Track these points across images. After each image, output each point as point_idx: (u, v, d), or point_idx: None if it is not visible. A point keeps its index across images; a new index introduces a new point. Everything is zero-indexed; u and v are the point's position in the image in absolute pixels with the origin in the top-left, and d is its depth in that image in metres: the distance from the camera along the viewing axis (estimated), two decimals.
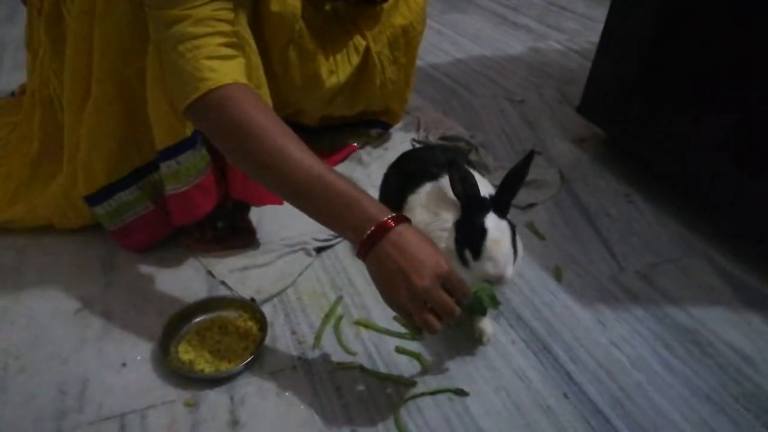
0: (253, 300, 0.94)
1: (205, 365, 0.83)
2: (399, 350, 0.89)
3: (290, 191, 0.73)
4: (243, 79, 0.77)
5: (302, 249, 1.05)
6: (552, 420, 0.80)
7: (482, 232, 0.83)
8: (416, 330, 0.87)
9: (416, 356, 0.88)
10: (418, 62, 1.34)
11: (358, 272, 1.03)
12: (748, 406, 0.83)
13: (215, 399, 0.80)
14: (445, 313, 0.71)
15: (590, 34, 2.09)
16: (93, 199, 0.95)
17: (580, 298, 1.00)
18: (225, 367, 0.83)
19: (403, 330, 0.88)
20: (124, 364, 0.84)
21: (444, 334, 0.91)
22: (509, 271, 0.84)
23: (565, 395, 0.84)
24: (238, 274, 0.99)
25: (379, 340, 0.90)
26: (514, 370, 0.87)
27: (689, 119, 1.19)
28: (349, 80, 1.17)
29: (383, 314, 0.94)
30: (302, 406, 0.80)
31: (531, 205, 1.22)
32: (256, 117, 0.73)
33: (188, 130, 0.89)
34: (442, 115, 1.53)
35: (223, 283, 0.98)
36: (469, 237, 0.85)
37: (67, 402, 0.78)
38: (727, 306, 1.00)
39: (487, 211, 0.85)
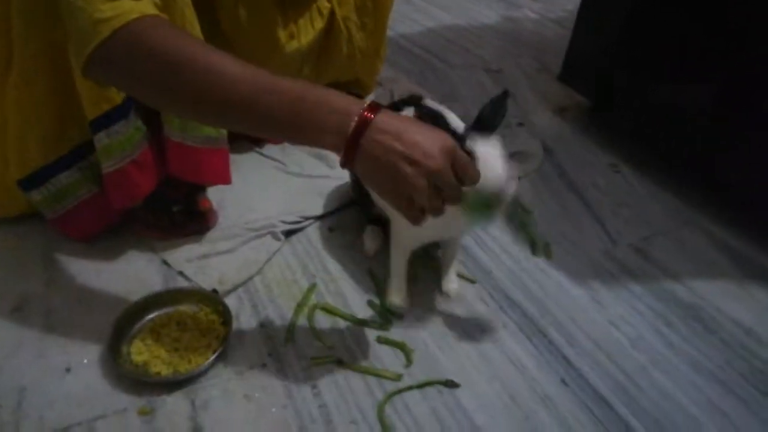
0: (215, 291, 0.84)
1: (161, 367, 0.73)
2: (381, 340, 0.80)
3: (243, 113, 0.61)
4: (153, 11, 0.65)
5: (269, 233, 0.95)
6: (551, 410, 0.73)
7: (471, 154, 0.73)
8: (387, 318, 0.82)
9: (400, 346, 0.79)
10: (389, 32, 1.25)
11: (332, 256, 0.94)
12: (756, 383, 0.78)
13: (174, 405, 0.71)
14: (454, 197, 0.62)
15: (566, 3, 2.01)
16: (28, 183, 0.84)
17: (573, 276, 0.93)
18: (184, 368, 0.74)
19: (376, 317, 0.83)
20: (68, 370, 0.73)
21: (429, 320, 0.83)
22: (511, 187, 0.71)
23: (564, 381, 0.77)
24: (198, 263, 0.89)
25: (359, 330, 0.82)
26: (507, 357, 0.80)
27: (675, 85, 1.13)
28: (313, 47, 1.07)
29: (361, 301, 0.86)
30: (274, 409, 0.71)
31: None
32: (178, 42, 0.62)
33: (119, 97, 0.78)
34: (417, 87, 1.44)
35: (181, 273, 0.88)
36: None
37: (1, 416, 0.68)
38: (728, 278, 0.94)
39: (463, 141, 0.73)
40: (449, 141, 0.62)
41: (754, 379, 0.79)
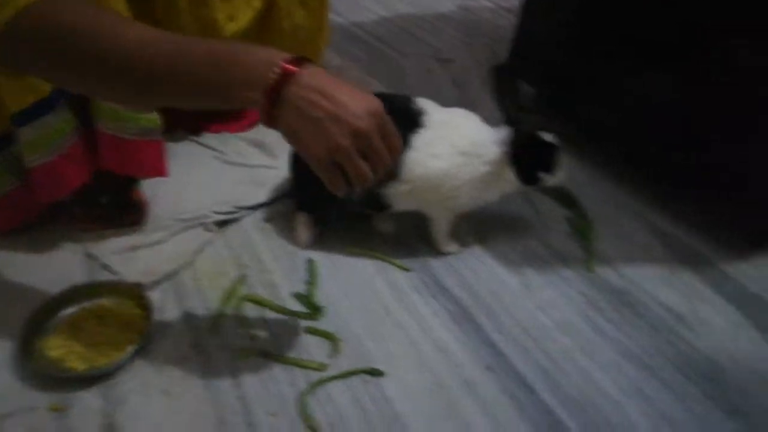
0: (139, 284, 0.82)
1: (77, 362, 0.72)
2: (310, 330, 0.80)
3: (160, 78, 0.58)
4: None
5: (201, 224, 0.93)
6: (474, 396, 0.73)
7: (551, 147, 0.83)
8: (315, 308, 0.81)
9: (328, 336, 0.79)
10: (340, 20, 1.23)
11: (267, 247, 0.92)
12: (682, 368, 0.78)
13: (88, 401, 0.69)
14: (381, 165, 0.61)
15: None
16: None
17: (507, 263, 0.93)
18: (102, 362, 0.72)
19: (302, 308, 0.82)
20: None
21: (360, 311, 0.83)
22: None
23: (489, 367, 0.77)
24: (124, 255, 0.87)
25: (289, 322, 0.81)
26: (435, 344, 0.79)
27: (621, 73, 1.14)
28: (253, 27, 1.05)
29: (293, 291, 0.84)
30: (193, 403, 0.70)
31: None
32: (87, 13, 0.60)
33: (47, 87, 0.75)
34: (365, 75, 1.43)
35: (106, 266, 0.85)
36: (539, 156, 0.86)
37: None
38: (660, 264, 0.95)
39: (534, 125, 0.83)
40: (378, 104, 0.60)
41: (680, 363, 0.79)
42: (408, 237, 0.97)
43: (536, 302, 0.87)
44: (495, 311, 0.85)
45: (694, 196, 1.04)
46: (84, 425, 0.66)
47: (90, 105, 0.82)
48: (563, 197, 1.03)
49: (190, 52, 0.58)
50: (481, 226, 0.99)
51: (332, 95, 0.57)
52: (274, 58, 0.57)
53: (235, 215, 0.97)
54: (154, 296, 0.81)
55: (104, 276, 0.84)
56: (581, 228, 1.00)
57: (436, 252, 0.94)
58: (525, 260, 0.94)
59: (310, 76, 0.57)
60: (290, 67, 0.57)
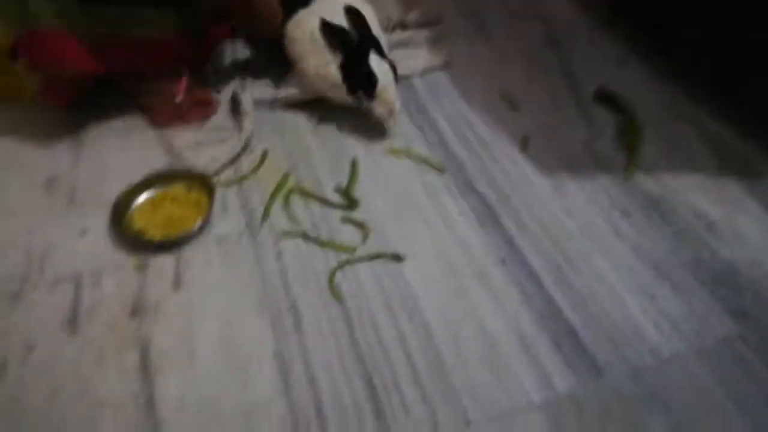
0: (206, 172, 0.96)
1: (155, 232, 0.88)
2: (344, 219, 0.90)
3: None
4: None
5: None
6: (484, 284, 0.80)
7: (372, 78, 0.94)
8: (352, 200, 0.90)
9: (360, 225, 0.88)
10: None
11: (315, 146, 1.02)
12: (695, 272, 0.80)
13: (162, 263, 0.85)
14: None
15: None
16: None
17: (543, 167, 0.96)
18: (174, 234, 0.87)
19: (341, 201, 0.92)
20: (83, 232, 0.89)
21: (390, 204, 0.91)
22: (397, 107, 0.97)
23: (503, 261, 0.83)
24: (195, 145, 1.01)
25: (327, 213, 0.91)
26: (456, 239, 0.86)
27: None
28: None
29: (334, 185, 0.94)
30: (243, 271, 0.83)
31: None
32: None
33: None
34: None
35: (180, 155, 1.00)
36: (360, 81, 0.96)
37: (31, 265, 0.85)
38: (705, 172, 0.93)
39: (365, 57, 0.95)
40: None
41: (695, 269, 0.81)
42: (449, 139, 1.02)
43: (563, 205, 0.90)
44: (519, 211, 0.89)
45: (758, 108, 0.98)
46: (158, 281, 0.83)
47: None
48: (613, 102, 1.02)
49: None
50: (523, 131, 1.02)
51: None
52: None
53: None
54: (220, 183, 0.94)
55: (181, 163, 0.99)
56: (628, 133, 1.00)
57: (474, 155, 0.98)
58: (562, 164, 0.97)
59: None
60: None
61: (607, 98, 1.06)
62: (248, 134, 1.02)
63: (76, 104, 1.03)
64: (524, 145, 1.00)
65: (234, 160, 0.99)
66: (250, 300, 0.80)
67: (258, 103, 1.08)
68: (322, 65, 0.99)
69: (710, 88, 1.07)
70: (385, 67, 0.96)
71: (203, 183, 0.94)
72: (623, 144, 0.98)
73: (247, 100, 1.07)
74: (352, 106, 1.01)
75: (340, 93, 1.01)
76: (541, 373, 0.71)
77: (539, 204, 0.91)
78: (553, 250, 0.84)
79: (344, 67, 0.98)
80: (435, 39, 1.22)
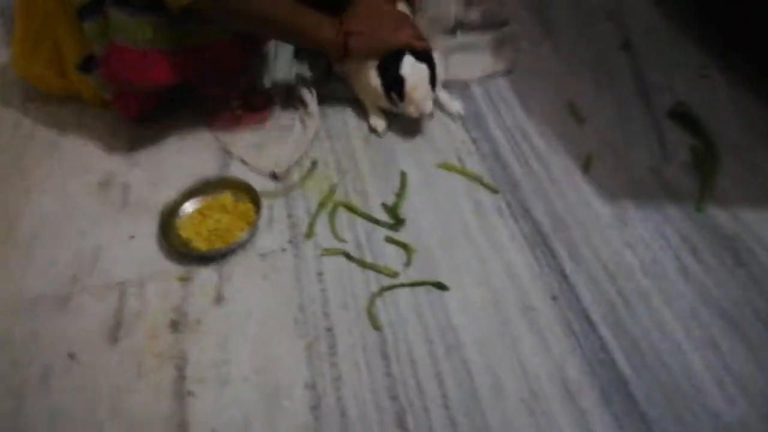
0: (274, 174, 0.96)
1: (201, 243, 0.88)
2: (388, 239, 0.87)
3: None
4: None
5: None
6: (531, 321, 0.76)
7: (401, 80, 0.94)
8: (398, 219, 0.88)
9: (404, 246, 0.85)
10: None
11: (366, 156, 0.99)
12: (767, 322, 0.73)
13: (206, 276, 0.85)
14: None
15: None
16: (82, 13, 0.92)
17: (605, 191, 0.90)
18: (219, 245, 0.87)
19: (386, 218, 0.89)
20: (132, 237, 0.91)
21: (439, 225, 0.88)
22: (428, 108, 0.96)
23: (554, 297, 0.78)
24: (255, 149, 1.00)
25: (372, 230, 0.89)
26: (504, 267, 0.82)
27: None
28: None
29: (381, 201, 0.91)
30: (284, 288, 0.82)
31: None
32: None
33: None
34: None
35: (241, 159, 0.99)
36: (392, 83, 0.96)
37: (81, 267, 0.87)
38: None
39: (400, 59, 0.95)
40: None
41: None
42: (505, 155, 0.97)
43: (625, 237, 0.84)
44: (575, 241, 0.84)
45: None
46: (200, 294, 0.83)
47: None
48: (689, 121, 0.94)
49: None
50: (587, 148, 0.95)
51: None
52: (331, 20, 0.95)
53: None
54: (267, 191, 0.93)
55: (238, 169, 0.98)
56: (704, 158, 0.91)
57: (530, 174, 0.93)
58: (627, 190, 0.90)
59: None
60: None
61: (682, 116, 0.97)
62: (313, 134, 1.02)
63: (148, 116, 1.05)
64: (587, 165, 0.93)
65: (299, 160, 0.98)
66: (288, 321, 0.79)
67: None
68: (362, 69, 0.99)
69: None
70: (420, 67, 0.95)
71: (251, 193, 0.93)
72: (697, 170, 0.90)
73: (312, 100, 1.05)
74: (390, 110, 1.00)
75: (379, 96, 0.99)
76: (585, 425, 0.67)
77: (598, 234, 0.84)
78: (609, 287, 0.78)
79: (380, 69, 0.98)
80: (500, 42, 1.16)
